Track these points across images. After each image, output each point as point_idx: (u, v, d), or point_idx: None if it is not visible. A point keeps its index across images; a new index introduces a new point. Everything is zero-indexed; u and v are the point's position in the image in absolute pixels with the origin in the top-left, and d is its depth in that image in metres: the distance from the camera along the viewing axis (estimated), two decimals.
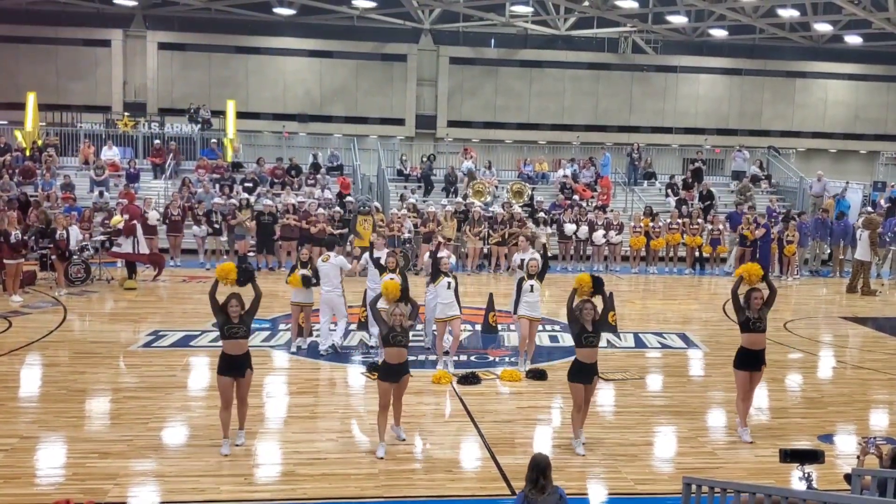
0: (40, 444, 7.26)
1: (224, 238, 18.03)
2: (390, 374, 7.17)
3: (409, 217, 18.38)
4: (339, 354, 10.57)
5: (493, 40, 33.74)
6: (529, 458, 5.34)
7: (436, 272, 10.13)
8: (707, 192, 21.75)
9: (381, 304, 7.79)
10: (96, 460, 6.87)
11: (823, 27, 31.14)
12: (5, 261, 13.54)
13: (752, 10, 29.19)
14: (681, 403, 8.99)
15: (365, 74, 32.41)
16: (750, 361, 7.81)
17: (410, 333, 7.40)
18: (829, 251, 19.98)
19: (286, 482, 6.63)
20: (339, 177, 22.12)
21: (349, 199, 19.23)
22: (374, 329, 10.11)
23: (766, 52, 34.24)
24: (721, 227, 19.41)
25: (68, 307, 13.21)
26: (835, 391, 9.86)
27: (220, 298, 7.16)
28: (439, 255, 10.69)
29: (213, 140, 23.29)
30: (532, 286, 9.85)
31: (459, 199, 20.70)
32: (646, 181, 24.26)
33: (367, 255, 11.26)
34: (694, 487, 5.37)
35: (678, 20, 31.17)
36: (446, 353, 10.01)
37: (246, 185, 20.47)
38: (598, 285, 7.49)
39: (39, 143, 22.53)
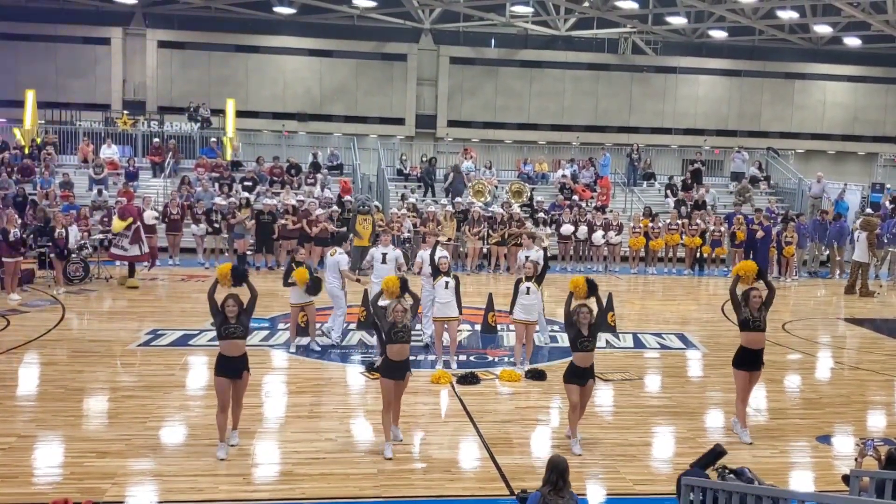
0: (38, 443, 7.25)
1: (224, 236, 18.02)
2: (393, 371, 7.11)
3: (409, 217, 18.38)
4: (338, 354, 10.57)
5: (493, 40, 33.76)
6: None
7: (435, 271, 10.15)
8: (702, 201, 21.71)
9: (383, 302, 7.77)
10: (94, 459, 6.86)
11: (823, 29, 31.18)
12: (4, 259, 13.52)
13: (752, 12, 29.22)
14: (679, 404, 8.99)
15: (365, 74, 32.41)
16: (749, 361, 7.81)
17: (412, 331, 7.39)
18: (826, 252, 20.02)
19: (285, 482, 6.62)
20: (340, 178, 22.13)
21: (347, 199, 19.24)
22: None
23: (765, 53, 34.27)
24: (722, 228, 19.43)
25: (67, 306, 13.19)
26: (833, 392, 9.86)
27: (219, 299, 7.15)
28: (382, 250, 11.06)
29: (213, 139, 23.28)
30: (528, 288, 9.87)
31: (459, 198, 20.71)
32: (645, 182, 24.27)
33: (372, 251, 11.43)
34: (692, 488, 5.37)
35: (678, 21, 31.21)
36: (446, 349, 10.04)
37: (245, 184, 20.46)
38: (592, 288, 7.49)
39: (38, 140, 22.50)
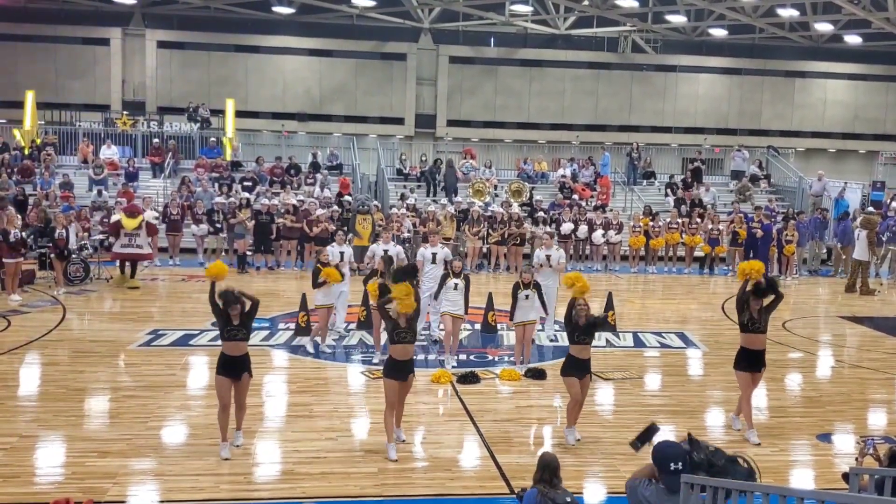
0: (40, 443, 7.26)
1: (224, 235, 18.03)
2: (396, 371, 7.07)
3: (409, 217, 18.38)
4: (341, 353, 10.60)
5: (492, 39, 33.73)
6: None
7: (444, 275, 10.20)
8: (699, 199, 21.69)
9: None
10: (95, 459, 6.87)
11: (823, 27, 31.15)
12: (4, 259, 13.53)
13: (752, 10, 29.20)
14: (679, 403, 9.00)
15: (364, 73, 32.40)
16: (750, 362, 7.79)
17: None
18: (826, 251, 20.02)
19: (286, 481, 6.63)
20: (339, 177, 22.14)
21: (347, 198, 19.24)
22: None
23: (765, 51, 34.25)
24: (721, 226, 19.43)
25: (67, 306, 13.20)
26: (833, 390, 9.87)
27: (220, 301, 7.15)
28: (431, 250, 11.24)
29: (213, 139, 23.28)
30: (527, 295, 9.93)
31: (459, 198, 20.73)
32: (645, 181, 24.27)
33: (373, 247, 11.64)
34: (691, 487, 5.37)
35: (678, 19, 31.18)
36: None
37: (245, 184, 20.46)
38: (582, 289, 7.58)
39: (38, 141, 22.51)
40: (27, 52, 30.07)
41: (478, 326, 12.15)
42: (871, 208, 20.08)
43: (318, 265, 10.65)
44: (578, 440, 7.54)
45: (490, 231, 18.55)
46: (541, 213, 19.46)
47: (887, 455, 5.37)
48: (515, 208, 19.42)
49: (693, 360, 11.21)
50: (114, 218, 15.66)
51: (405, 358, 7.10)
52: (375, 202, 19.44)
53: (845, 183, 22.70)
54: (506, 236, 18.36)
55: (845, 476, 5.69)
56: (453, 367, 9.92)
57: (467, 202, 20.05)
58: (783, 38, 33.11)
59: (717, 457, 4.25)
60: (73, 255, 14.81)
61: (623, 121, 33.54)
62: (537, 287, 10.14)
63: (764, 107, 34.27)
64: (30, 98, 23.70)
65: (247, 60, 31.76)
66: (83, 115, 26.69)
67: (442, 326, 10.28)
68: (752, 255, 18.46)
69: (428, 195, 21.69)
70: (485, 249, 18.74)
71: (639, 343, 11.76)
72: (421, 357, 10.31)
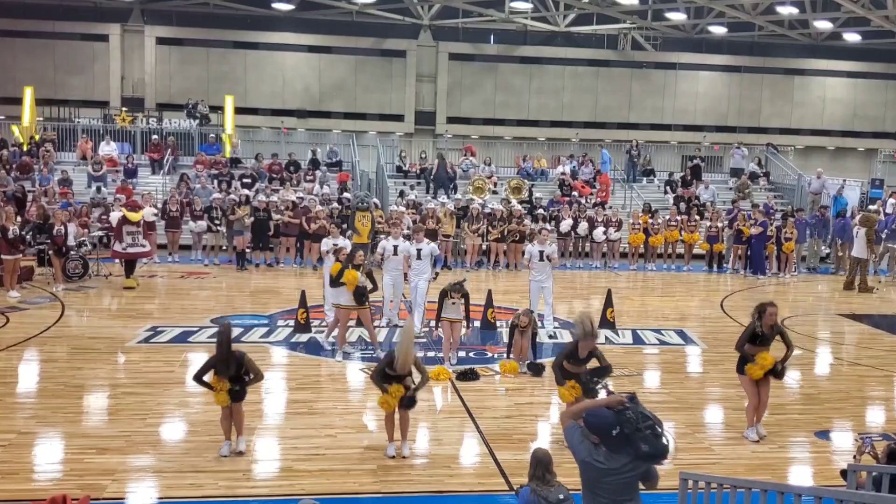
0: (38, 440, 7.26)
1: (223, 231, 18.02)
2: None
3: (408, 214, 18.35)
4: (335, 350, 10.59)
5: (492, 36, 33.70)
6: (527, 453, 5.34)
7: (443, 293, 9.95)
8: (696, 196, 21.66)
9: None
10: (94, 456, 6.87)
11: (822, 24, 31.13)
12: (3, 256, 13.51)
13: (752, 8, 29.19)
14: (678, 399, 9.01)
15: (364, 70, 32.36)
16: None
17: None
18: (826, 249, 20.01)
19: (284, 478, 6.63)
20: (339, 173, 22.13)
21: (346, 195, 19.22)
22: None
23: (765, 49, 34.23)
24: (720, 224, 19.43)
25: (66, 303, 13.19)
26: (832, 387, 9.88)
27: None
28: (417, 246, 11.54)
29: (212, 136, 23.25)
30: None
31: (459, 195, 20.71)
32: (645, 178, 24.27)
33: (384, 243, 11.83)
34: (691, 483, 5.38)
35: (677, 17, 31.17)
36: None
37: (244, 180, 20.44)
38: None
39: (37, 137, 22.48)
40: (26, 49, 30.01)
41: (477, 324, 12.14)
42: (871, 207, 20.09)
43: (350, 265, 10.03)
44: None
45: (490, 228, 18.54)
46: (540, 211, 19.45)
47: (885, 452, 5.38)
48: (516, 205, 19.41)
49: (692, 358, 11.22)
50: (114, 215, 15.55)
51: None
52: (375, 199, 19.42)
53: (844, 181, 22.70)
54: (505, 233, 18.35)
55: (843, 473, 5.71)
56: (453, 364, 9.92)
57: (466, 199, 20.03)
58: (783, 36, 33.11)
59: (644, 423, 4.13)
60: (72, 252, 14.79)
61: (623, 118, 33.54)
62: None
63: (763, 104, 34.26)
64: (28, 94, 23.64)
65: (246, 57, 31.71)
66: (82, 111, 26.70)
67: (444, 331, 10.23)
68: (748, 252, 18.53)
69: (427, 192, 21.69)
70: (484, 247, 18.74)
71: (638, 340, 11.76)
72: (420, 355, 10.29)
